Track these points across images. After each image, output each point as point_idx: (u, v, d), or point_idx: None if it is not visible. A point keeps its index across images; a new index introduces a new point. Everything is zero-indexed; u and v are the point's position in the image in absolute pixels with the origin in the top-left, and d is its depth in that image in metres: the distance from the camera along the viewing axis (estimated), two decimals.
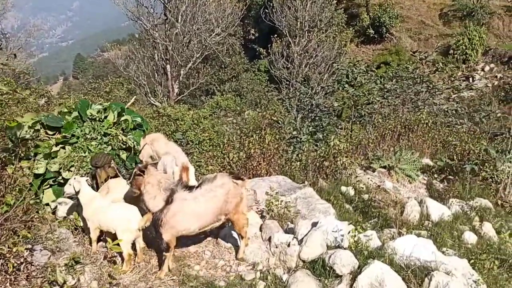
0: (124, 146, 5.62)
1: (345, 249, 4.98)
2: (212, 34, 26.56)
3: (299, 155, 8.19)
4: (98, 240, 4.87)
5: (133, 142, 5.69)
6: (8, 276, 3.70)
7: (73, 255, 4.31)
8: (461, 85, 27.29)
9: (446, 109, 13.30)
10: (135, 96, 12.31)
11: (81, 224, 5.03)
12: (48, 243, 4.46)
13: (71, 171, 5.07)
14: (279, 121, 10.79)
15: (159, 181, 4.65)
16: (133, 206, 4.85)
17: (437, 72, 23.69)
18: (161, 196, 4.59)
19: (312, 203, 6.32)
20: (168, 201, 4.59)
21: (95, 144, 5.36)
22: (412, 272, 4.37)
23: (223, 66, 34.36)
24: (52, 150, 5.07)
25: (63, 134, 5.23)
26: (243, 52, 36.27)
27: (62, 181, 5.07)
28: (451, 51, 32.27)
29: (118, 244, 4.26)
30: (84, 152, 5.25)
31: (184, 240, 5.44)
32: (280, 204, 5.68)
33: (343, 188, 7.72)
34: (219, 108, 24.15)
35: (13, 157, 4.24)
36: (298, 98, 18.12)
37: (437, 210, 6.94)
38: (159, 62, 26.35)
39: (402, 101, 12.54)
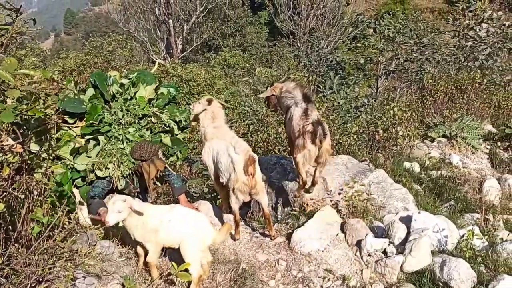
0: (164, 128, 4.46)
1: (453, 255, 4.05)
2: None
3: (350, 126, 7.10)
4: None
5: (175, 123, 4.53)
6: None
7: (126, 282, 3.34)
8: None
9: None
10: (158, 60, 10.99)
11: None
12: (90, 264, 3.44)
13: (108, 168, 3.96)
14: (319, 86, 9.57)
15: None
16: (199, 213, 3.84)
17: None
18: None
19: (387, 189, 5.30)
20: None
21: (133, 131, 4.20)
22: None
23: (226, 19, 32.40)
24: (78, 145, 3.90)
25: (88, 121, 4.04)
26: (247, 3, 34.15)
27: (94, 178, 3.94)
28: None
29: (187, 270, 3.20)
30: (122, 143, 4.10)
31: (250, 246, 4.50)
32: (360, 196, 4.66)
33: (407, 164, 6.70)
34: (227, 65, 22.63)
35: (41, 159, 3.14)
36: (317, 53, 16.82)
37: None
38: (161, 17, 24.62)
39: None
